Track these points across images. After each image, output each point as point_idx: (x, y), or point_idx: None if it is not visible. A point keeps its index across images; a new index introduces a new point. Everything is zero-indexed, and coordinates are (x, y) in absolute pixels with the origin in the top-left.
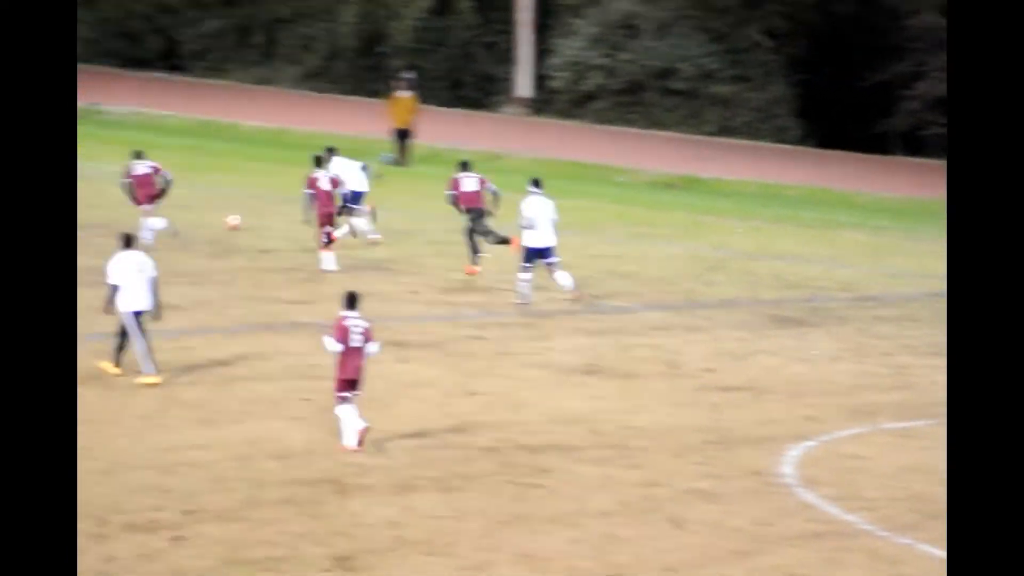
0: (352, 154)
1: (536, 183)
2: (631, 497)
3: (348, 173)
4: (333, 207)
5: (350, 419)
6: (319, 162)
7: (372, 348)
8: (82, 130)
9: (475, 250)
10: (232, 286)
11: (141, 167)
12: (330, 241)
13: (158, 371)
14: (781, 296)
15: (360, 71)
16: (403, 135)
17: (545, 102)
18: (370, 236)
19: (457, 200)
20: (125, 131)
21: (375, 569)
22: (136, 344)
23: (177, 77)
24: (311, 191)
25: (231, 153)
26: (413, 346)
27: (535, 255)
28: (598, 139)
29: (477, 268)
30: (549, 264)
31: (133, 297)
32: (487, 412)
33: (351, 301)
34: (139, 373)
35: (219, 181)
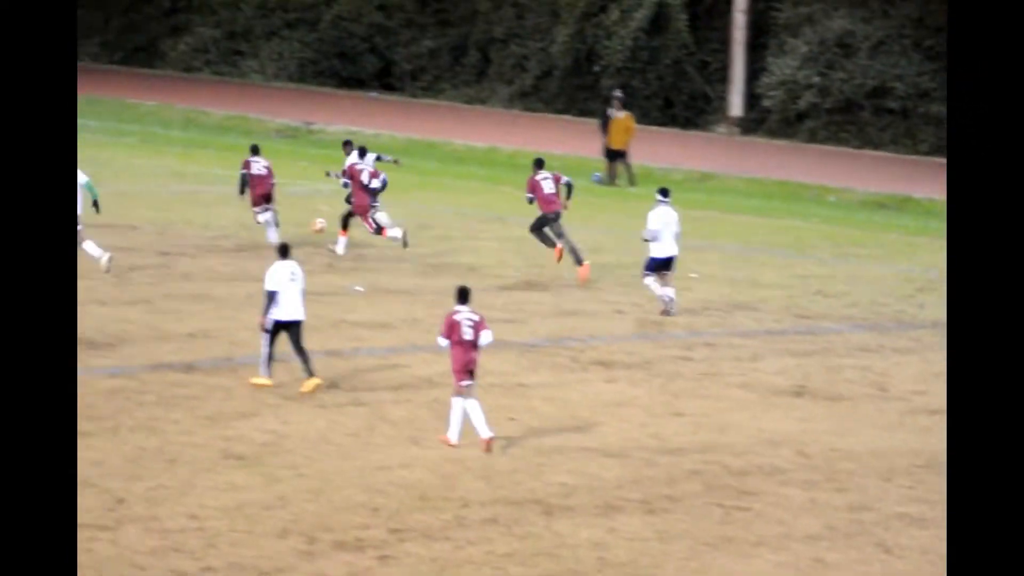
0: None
1: (664, 192)
2: (838, 521)
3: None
4: (368, 200)
5: (460, 417)
6: (363, 153)
7: (485, 339)
8: (294, 149)
9: (548, 243)
10: (441, 304)
11: (258, 165)
12: (380, 229)
13: (271, 376)
14: None
15: (572, 90)
16: (616, 155)
17: (756, 121)
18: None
19: (539, 203)
20: (337, 150)
21: None
22: (262, 347)
23: (391, 97)
24: (349, 179)
25: (441, 172)
26: (619, 366)
27: (660, 265)
28: (810, 159)
29: (557, 255)
30: (665, 275)
31: (286, 306)
32: (693, 433)
33: (463, 295)
34: (343, 389)
35: (428, 199)
